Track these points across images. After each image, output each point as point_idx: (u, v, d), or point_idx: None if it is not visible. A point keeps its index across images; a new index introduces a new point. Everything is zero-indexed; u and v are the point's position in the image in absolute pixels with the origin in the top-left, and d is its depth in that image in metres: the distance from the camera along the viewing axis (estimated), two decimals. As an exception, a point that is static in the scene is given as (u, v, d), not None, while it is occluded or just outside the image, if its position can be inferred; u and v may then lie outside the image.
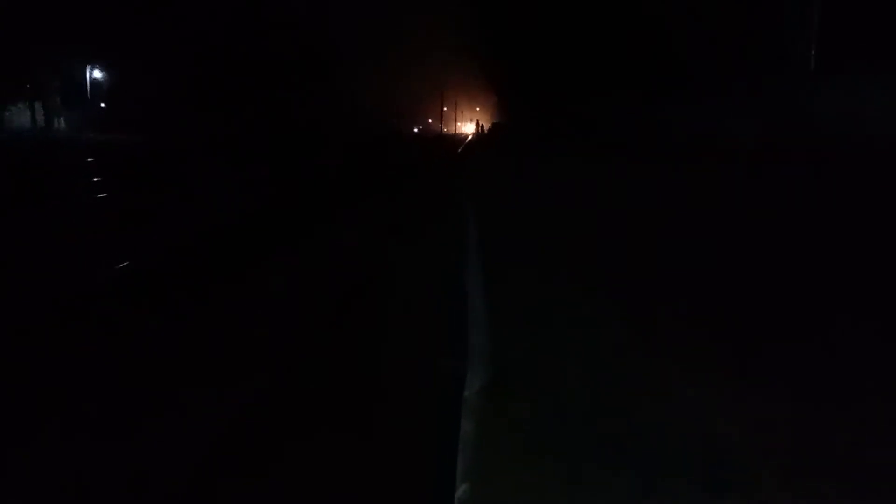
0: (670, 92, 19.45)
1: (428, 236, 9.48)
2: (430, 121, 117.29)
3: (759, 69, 14.82)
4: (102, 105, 43.55)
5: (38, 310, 5.18)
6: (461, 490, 2.47)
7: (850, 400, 3.06)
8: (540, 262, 6.20)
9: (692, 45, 16.80)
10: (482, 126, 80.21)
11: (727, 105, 15.66)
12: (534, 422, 2.94)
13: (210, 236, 8.82)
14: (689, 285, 5.18)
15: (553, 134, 32.51)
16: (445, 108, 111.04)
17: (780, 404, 3.00)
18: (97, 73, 42.88)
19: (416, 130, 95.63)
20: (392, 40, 77.60)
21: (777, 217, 8.09)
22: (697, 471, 2.46)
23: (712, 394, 3.11)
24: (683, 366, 3.47)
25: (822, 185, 9.40)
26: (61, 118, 42.64)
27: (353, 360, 4.33)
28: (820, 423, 2.82)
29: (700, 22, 16.07)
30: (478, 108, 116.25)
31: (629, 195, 11.53)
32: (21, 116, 41.31)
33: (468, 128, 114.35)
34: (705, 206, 9.32)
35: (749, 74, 15.04)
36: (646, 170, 15.11)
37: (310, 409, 3.60)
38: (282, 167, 23.14)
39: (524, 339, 4.05)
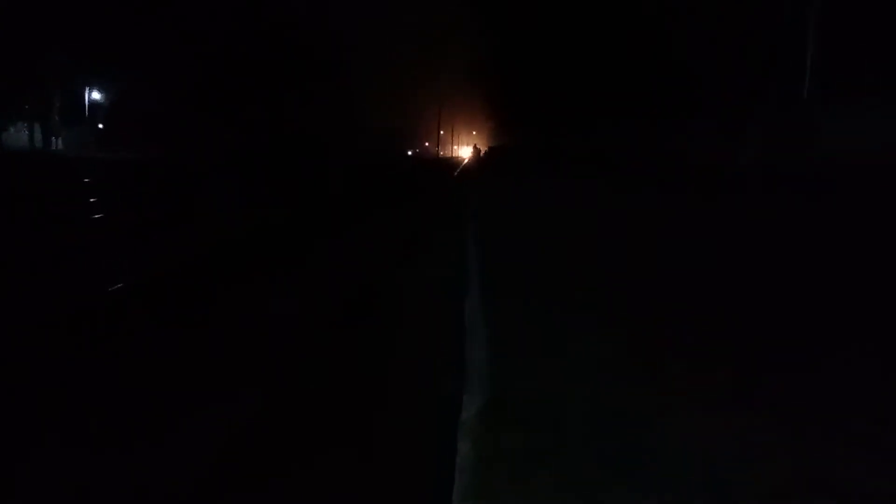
0: (669, 116, 19.66)
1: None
2: (426, 144, 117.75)
3: (755, 95, 15.05)
4: (100, 126, 43.53)
5: (22, 334, 5.14)
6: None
7: (846, 428, 3.07)
8: (539, 290, 6.21)
9: (692, 69, 17.03)
10: (479, 150, 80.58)
11: (725, 129, 15.90)
12: (533, 443, 2.94)
13: (204, 260, 8.79)
14: (691, 310, 5.20)
15: (550, 156, 32.71)
16: (442, 132, 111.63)
17: (779, 431, 3.01)
18: (95, 93, 42.91)
19: (409, 153, 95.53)
20: (390, 61, 77.91)
21: (778, 239, 8.14)
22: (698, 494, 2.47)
23: (714, 422, 3.12)
24: (688, 394, 3.48)
25: (819, 208, 9.47)
26: (59, 138, 42.51)
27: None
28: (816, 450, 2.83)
29: (700, 48, 16.32)
30: (474, 132, 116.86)
31: (629, 219, 11.59)
32: (18, 137, 41.10)
33: (465, 151, 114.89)
34: (707, 231, 9.38)
35: (746, 100, 15.27)
36: (646, 193, 15.20)
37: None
38: (284, 183, 23.33)
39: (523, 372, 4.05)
